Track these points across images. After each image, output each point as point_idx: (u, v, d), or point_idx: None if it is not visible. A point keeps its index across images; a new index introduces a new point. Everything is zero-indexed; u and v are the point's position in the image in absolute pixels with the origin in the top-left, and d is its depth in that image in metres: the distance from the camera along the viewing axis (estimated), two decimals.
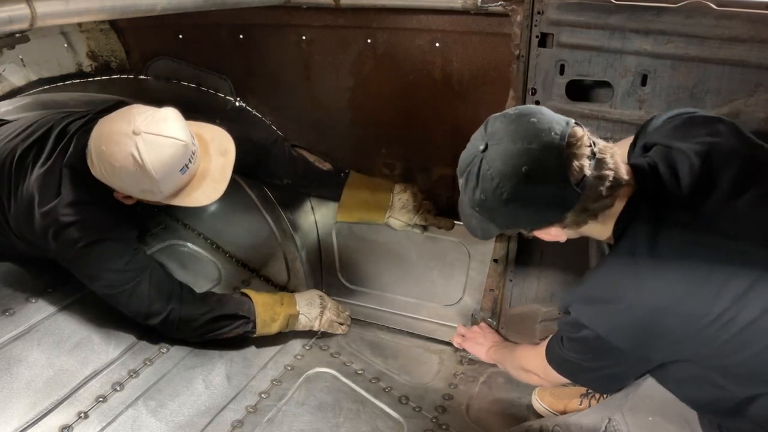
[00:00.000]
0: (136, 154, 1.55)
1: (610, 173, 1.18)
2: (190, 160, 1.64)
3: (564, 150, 1.14)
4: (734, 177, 1.19)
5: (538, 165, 1.14)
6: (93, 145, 1.62)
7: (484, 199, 1.21)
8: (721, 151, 1.23)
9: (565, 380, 1.51)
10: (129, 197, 1.72)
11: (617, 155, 1.22)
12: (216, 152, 1.76)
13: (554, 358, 1.47)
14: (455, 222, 2.21)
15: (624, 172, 1.22)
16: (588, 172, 1.16)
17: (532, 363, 1.63)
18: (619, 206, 1.24)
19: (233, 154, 1.76)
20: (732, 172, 1.20)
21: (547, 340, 1.51)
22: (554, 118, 1.19)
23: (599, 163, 1.17)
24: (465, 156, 1.27)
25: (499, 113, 1.25)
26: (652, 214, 1.20)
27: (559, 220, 1.22)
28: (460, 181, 1.29)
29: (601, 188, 1.18)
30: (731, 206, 1.18)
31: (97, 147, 1.60)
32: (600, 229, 1.29)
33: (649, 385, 1.49)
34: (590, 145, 1.18)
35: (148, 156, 1.55)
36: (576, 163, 1.15)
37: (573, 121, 1.20)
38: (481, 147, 1.21)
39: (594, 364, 1.33)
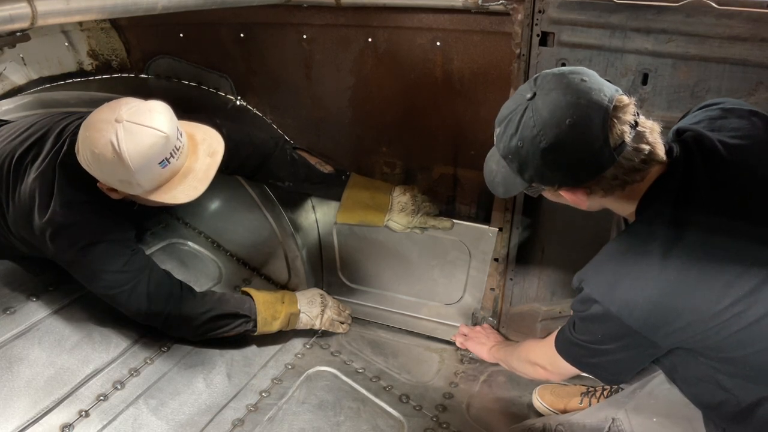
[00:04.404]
0: (114, 142, 1.53)
1: (647, 147, 1.19)
2: (171, 155, 1.61)
3: (610, 112, 1.15)
4: (765, 173, 1.20)
5: (583, 120, 1.14)
6: (80, 133, 1.62)
7: (520, 146, 1.21)
8: (754, 146, 1.24)
9: (571, 372, 1.50)
10: (113, 190, 1.70)
11: (657, 133, 1.22)
12: (204, 153, 1.73)
13: (563, 344, 1.46)
14: (454, 221, 2.21)
15: (660, 151, 1.22)
16: (627, 139, 1.16)
17: (539, 354, 1.62)
18: (646, 183, 1.24)
19: (221, 155, 1.73)
20: (764, 167, 1.21)
21: (556, 331, 1.51)
22: (605, 83, 1.20)
23: (638, 136, 1.18)
24: (508, 104, 1.26)
25: (551, 69, 1.25)
26: (678, 197, 1.20)
27: (589, 181, 1.21)
28: (497, 131, 1.28)
29: (636, 160, 1.18)
30: (758, 201, 1.18)
31: (83, 134, 1.60)
32: (623, 205, 1.29)
33: (654, 385, 1.49)
34: (634, 115, 1.19)
35: (126, 144, 1.53)
36: (618, 128, 1.15)
37: (621, 90, 1.21)
38: (528, 95, 1.21)
39: (602, 347, 1.31)
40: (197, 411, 1.86)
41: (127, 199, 1.75)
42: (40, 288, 2.03)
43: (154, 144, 1.56)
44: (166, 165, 1.61)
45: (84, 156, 1.61)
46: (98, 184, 1.70)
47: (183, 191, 1.67)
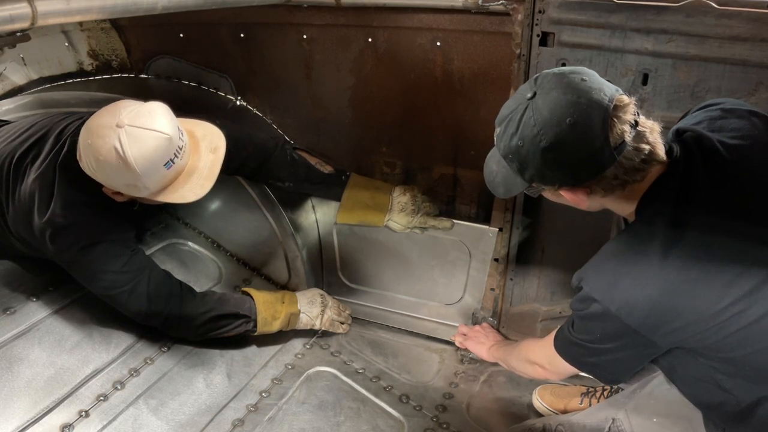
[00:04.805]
0: (118, 147, 1.53)
1: (647, 147, 1.19)
2: (176, 155, 1.61)
3: (610, 111, 1.15)
4: (765, 173, 1.21)
5: (584, 119, 1.15)
6: (81, 140, 1.62)
7: (520, 145, 1.21)
8: (754, 146, 1.24)
9: (570, 372, 1.50)
10: (119, 193, 1.70)
11: (657, 133, 1.22)
12: (206, 149, 1.73)
13: (562, 344, 1.46)
14: (454, 221, 2.21)
15: (661, 151, 1.22)
16: (628, 139, 1.17)
17: (538, 353, 1.62)
18: (646, 183, 1.24)
19: (223, 150, 1.74)
20: (764, 167, 1.21)
21: (555, 330, 1.51)
22: (605, 82, 1.20)
23: (639, 135, 1.19)
24: (508, 104, 1.27)
25: (551, 69, 1.26)
26: (678, 197, 1.20)
27: (589, 180, 1.21)
28: (497, 131, 1.29)
29: (636, 159, 1.19)
30: (758, 201, 1.19)
31: (84, 141, 1.60)
32: (623, 204, 1.29)
33: (654, 385, 1.49)
34: (634, 115, 1.19)
35: (130, 149, 1.53)
36: (618, 127, 1.15)
37: (621, 90, 1.21)
38: (529, 95, 1.21)
39: (601, 346, 1.32)
40: (197, 411, 1.86)
41: (131, 199, 1.75)
42: (40, 288, 2.03)
43: (158, 146, 1.56)
44: (171, 166, 1.61)
45: (88, 163, 1.61)
46: (103, 188, 1.70)
47: (190, 190, 1.68)
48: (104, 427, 1.71)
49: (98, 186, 1.69)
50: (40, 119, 1.95)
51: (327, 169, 2.29)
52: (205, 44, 2.47)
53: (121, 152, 1.53)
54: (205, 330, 1.96)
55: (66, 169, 1.73)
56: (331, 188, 2.31)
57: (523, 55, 1.77)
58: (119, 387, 1.83)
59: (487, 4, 1.81)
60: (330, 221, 2.41)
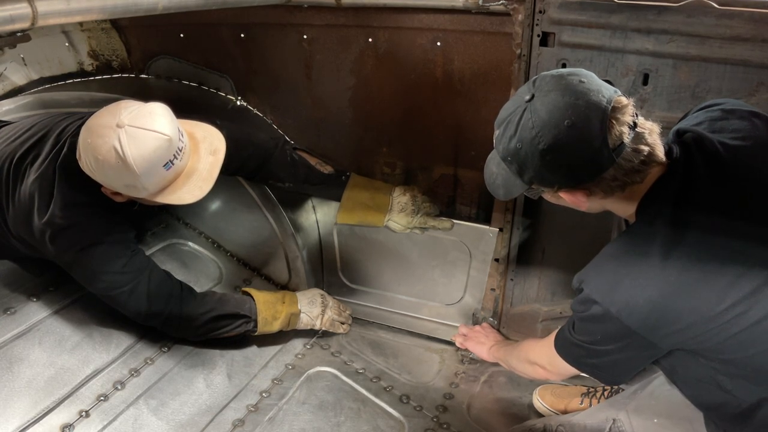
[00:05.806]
0: (118, 147, 1.52)
1: (646, 148, 1.19)
2: (175, 156, 1.61)
3: (609, 113, 1.15)
4: (766, 173, 1.21)
5: (582, 121, 1.15)
6: (81, 139, 1.61)
7: (519, 147, 1.21)
8: (755, 147, 1.24)
9: (570, 372, 1.50)
10: (118, 194, 1.70)
11: (656, 135, 1.22)
12: (206, 151, 1.73)
13: (562, 345, 1.46)
14: (454, 222, 2.21)
15: (660, 152, 1.22)
16: (626, 140, 1.17)
17: (539, 354, 1.62)
18: (646, 185, 1.24)
19: (223, 153, 1.74)
20: (765, 167, 1.21)
21: (555, 331, 1.51)
22: (603, 84, 1.20)
23: (638, 137, 1.19)
24: (507, 106, 1.27)
25: (549, 71, 1.26)
26: (678, 198, 1.20)
27: (588, 182, 1.22)
28: (496, 133, 1.29)
29: (635, 161, 1.19)
30: (758, 202, 1.19)
31: (84, 140, 1.59)
32: (623, 206, 1.29)
33: (655, 386, 1.49)
34: (633, 116, 1.19)
35: (129, 149, 1.53)
36: (617, 129, 1.16)
37: (620, 91, 1.21)
38: (527, 97, 1.21)
39: (601, 347, 1.32)
40: (198, 411, 1.86)
41: (130, 200, 1.75)
42: (41, 288, 2.03)
43: (158, 147, 1.56)
44: (171, 167, 1.61)
45: (87, 162, 1.60)
46: (102, 188, 1.70)
47: (188, 191, 1.68)
48: (104, 427, 1.71)
49: (98, 186, 1.69)
50: (41, 120, 1.95)
51: (327, 169, 2.29)
52: (205, 44, 2.47)
53: (120, 152, 1.53)
54: (205, 330, 1.96)
55: (66, 169, 1.73)
56: (331, 188, 2.31)
57: (524, 55, 1.77)
58: (119, 387, 1.83)
59: (488, 5, 1.81)
60: (330, 221, 2.41)
